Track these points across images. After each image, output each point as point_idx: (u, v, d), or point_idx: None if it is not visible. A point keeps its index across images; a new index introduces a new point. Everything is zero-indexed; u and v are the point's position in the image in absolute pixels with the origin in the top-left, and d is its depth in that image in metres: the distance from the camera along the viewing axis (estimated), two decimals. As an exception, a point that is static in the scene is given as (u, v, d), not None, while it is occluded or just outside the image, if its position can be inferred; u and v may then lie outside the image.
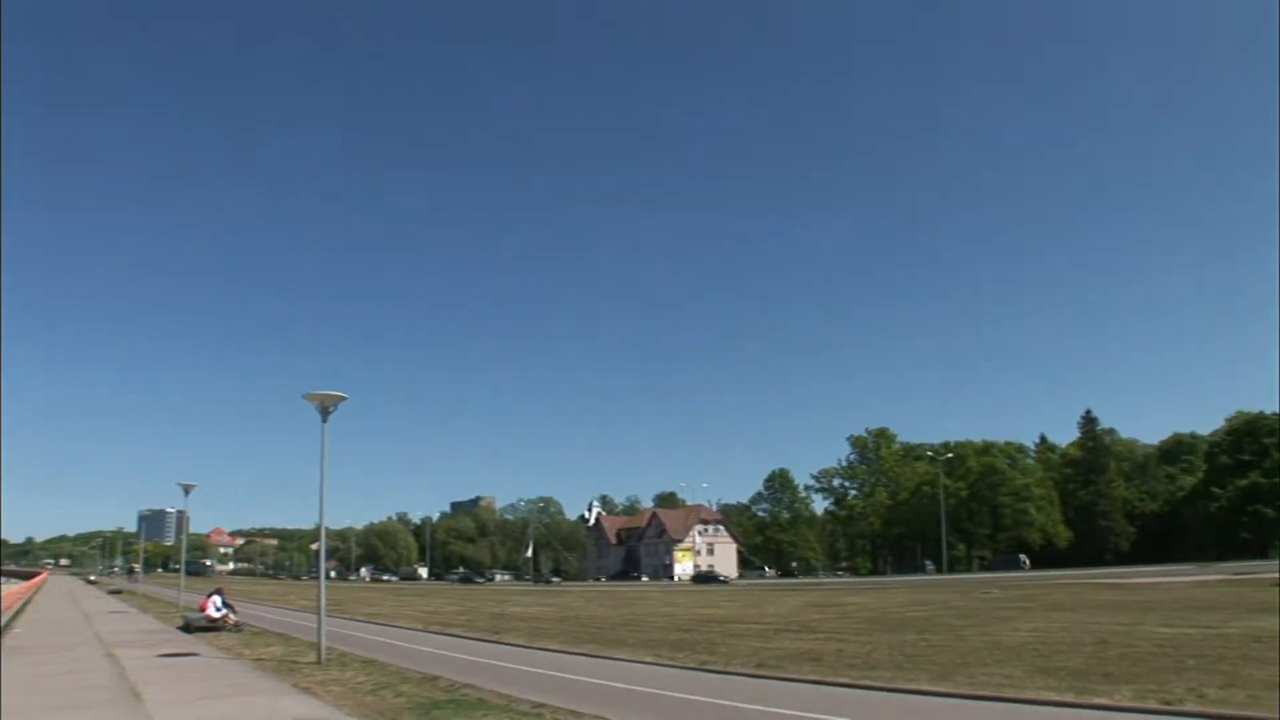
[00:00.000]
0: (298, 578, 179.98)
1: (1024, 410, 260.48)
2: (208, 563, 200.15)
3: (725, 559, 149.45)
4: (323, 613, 23.19)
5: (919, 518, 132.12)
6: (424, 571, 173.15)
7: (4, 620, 34.14)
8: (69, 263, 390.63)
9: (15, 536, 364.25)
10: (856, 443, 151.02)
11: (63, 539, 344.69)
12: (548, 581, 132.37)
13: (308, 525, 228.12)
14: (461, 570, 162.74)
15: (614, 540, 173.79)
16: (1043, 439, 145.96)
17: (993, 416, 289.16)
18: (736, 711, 14.84)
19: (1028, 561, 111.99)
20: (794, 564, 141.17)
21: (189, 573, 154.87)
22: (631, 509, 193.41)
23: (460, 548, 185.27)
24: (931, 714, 14.58)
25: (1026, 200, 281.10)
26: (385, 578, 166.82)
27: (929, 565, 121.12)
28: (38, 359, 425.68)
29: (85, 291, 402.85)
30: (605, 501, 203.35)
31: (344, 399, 22.13)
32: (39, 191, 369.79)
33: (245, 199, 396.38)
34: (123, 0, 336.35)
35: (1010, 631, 26.90)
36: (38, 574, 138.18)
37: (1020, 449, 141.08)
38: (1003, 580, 69.86)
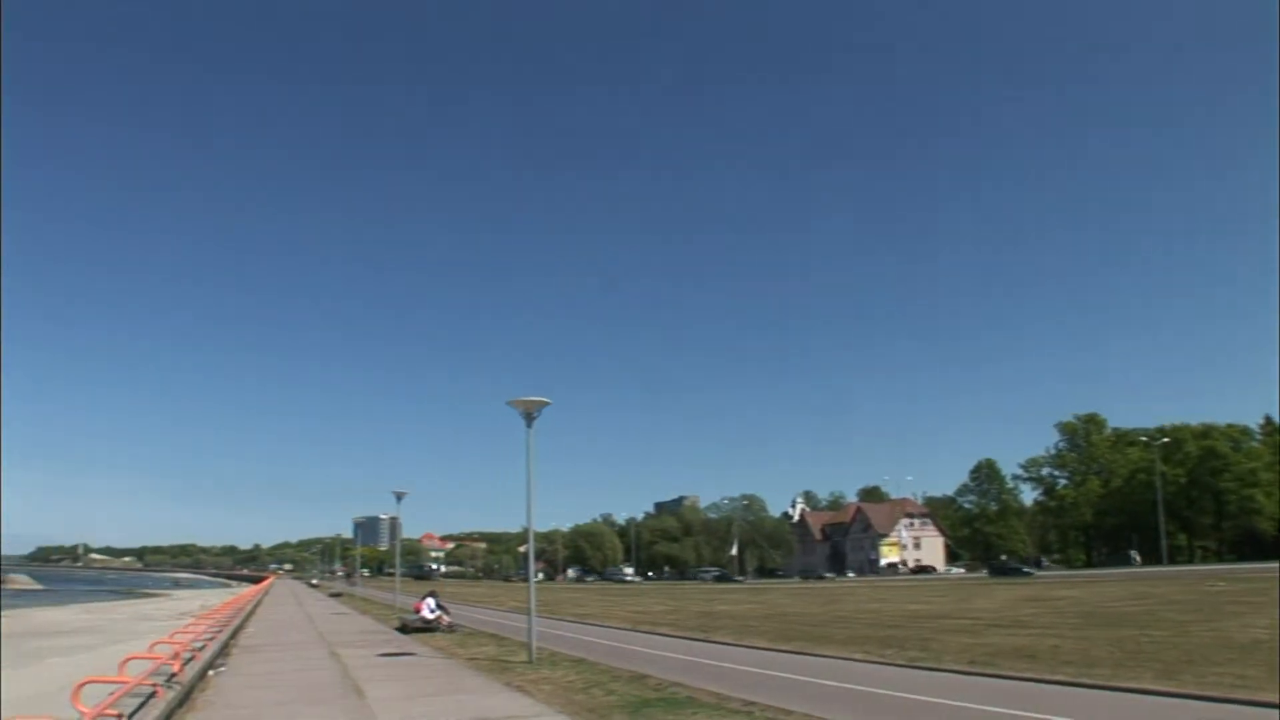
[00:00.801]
0: (507, 579, 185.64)
1: (1241, 391, 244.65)
2: (433, 566, 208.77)
3: (932, 552, 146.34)
4: (533, 613, 23.82)
5: (1134, 507, 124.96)
6: (630, 572, 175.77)
7: (239, 621, 36.62)
8: (291, 291, 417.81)
9: (244, 543, 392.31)
10: (1065, 429, 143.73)
11: (285, 545, 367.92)
12: (753, 579, 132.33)
13: (515, 528, 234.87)
14: (667, 570, 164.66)
15: (819, 536, 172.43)
16: (1268, 420, 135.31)
17: (1201, 398, 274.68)
18: (953, 711, 14.42)
19: (1138, 558, 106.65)
20: (1003, 556, 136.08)
21: (415, 576, 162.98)
22: (835, 504, 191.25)
23: (665, 547, 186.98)
24: (1159, 715, 13.76)
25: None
26: (591, 579, 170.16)
27: (1134, 556, 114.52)
28: (273, 386, 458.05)
29: (304, 319, 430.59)
30: (809, 497, 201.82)
31: (547, 404, 22.68)
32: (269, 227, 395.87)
33: (446, 213, 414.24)
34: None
35: (1241, 628, 25.18)
36: (266, 578, 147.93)
37: (1244, 431, 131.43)
38: (1232, 572, 65.38)
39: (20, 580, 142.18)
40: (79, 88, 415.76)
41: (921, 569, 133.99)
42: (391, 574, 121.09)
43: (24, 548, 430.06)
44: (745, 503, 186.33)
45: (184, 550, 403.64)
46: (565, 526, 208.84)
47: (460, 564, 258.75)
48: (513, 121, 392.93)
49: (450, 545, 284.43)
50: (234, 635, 31.21)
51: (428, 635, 32.17)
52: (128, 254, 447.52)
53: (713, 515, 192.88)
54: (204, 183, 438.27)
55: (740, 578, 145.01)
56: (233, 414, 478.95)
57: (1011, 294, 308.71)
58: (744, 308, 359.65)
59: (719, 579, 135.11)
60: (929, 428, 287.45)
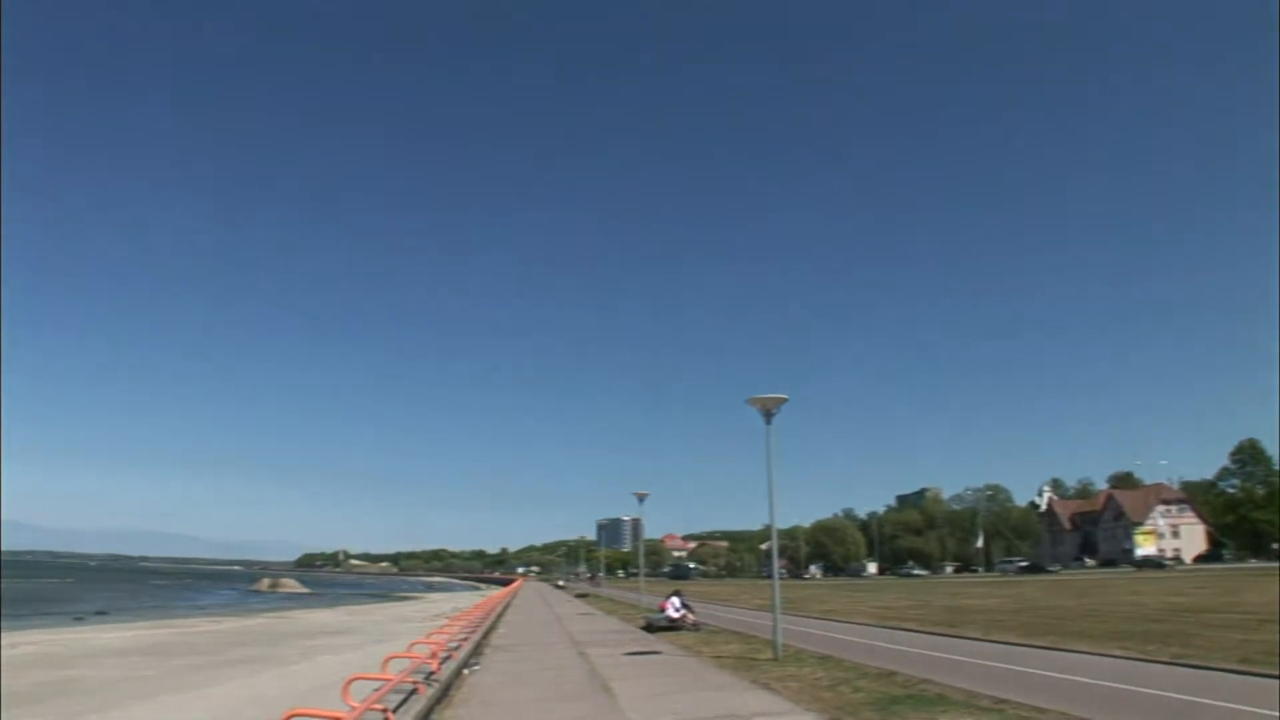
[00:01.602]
0: (759, 577, 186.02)
1: None
2: (689, 565, 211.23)
3: (1192, 541, 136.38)
4: (777, 610, 23.76)
5: None
6: (872, 567, 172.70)
7: (490, 622, 38.22)
8: (536, 303, 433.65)
9: (491, 547, 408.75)
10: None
11: (531, 548, 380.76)
12: (1001, 572, 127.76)
13: (756, 526, 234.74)
14: (910, 563, 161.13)
15: (1068, 526, 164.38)
16: None
17: None
18: (1226, 714, 13.44)
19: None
20: (1275, 545, 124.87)
21: (673, 576, 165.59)
22: (1085, 492, 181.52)
23: (908, 541, 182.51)
24: None
25: None
26: (832, 575, 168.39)
27: None
28: (519, 396, 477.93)
29: (557, 330, 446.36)
30: (1056, 485, 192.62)
31: (784, 400, 22.59)
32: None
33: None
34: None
35: None
36: (514, 581, 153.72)
37: None
38: None
39: (290, 584, 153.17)
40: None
41: (1170, 560, 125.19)
42: (635, 575, 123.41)
43: (291, 555, 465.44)
44: (990, 493, 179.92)
45: (435, 555, 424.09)
46: (806, 523, 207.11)
47: (702, 563, 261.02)
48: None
49: (692, 545, 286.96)
50: (486, 635, 32.55)
51: (673, 634, 32.57)
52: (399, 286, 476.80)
53: (956, 506, 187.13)
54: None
55: (989, 569, 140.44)
56: (478, 425, 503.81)
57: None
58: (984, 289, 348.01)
59: (961, 570, 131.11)
60: (1182, 406, 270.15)
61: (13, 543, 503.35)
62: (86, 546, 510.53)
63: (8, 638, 45.15)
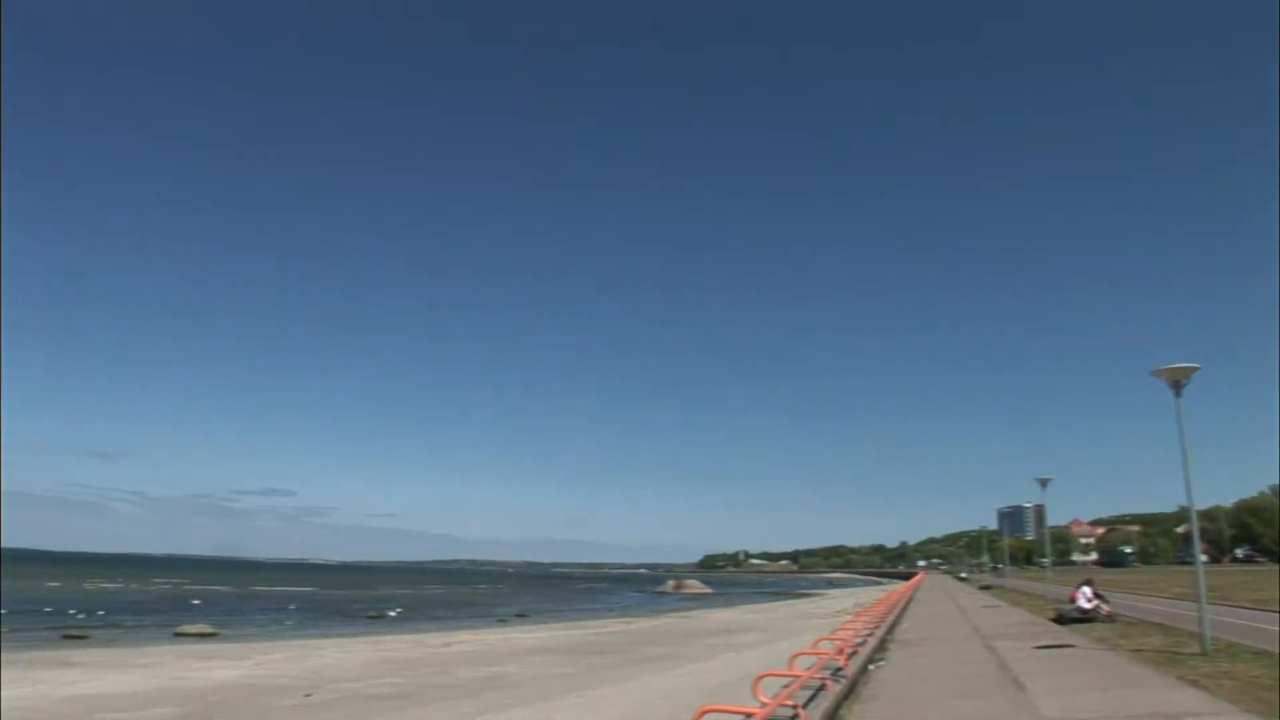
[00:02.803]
0: (1173, 563, 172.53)
1: None
2: (1125, 549, 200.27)
3: None
4: (1203, 599, 22.15)
5: None
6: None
7: (893, 617, 38.06)
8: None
9: (890, 541, 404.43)
10: None
11: (930, 540, 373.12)
12: None
13: (1169, 508, 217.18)
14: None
15: None
16: None
17: None
18: None
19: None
20: None
21: (1105, 564, 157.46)
22: None
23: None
24: None
25: None
26: (1262, 560, 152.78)
27: None
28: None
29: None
30: None
31: (1195, 370, 21.09)
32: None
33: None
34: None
35: None
36: (915, 575, 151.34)
37: None
38: None
39: (694, 585, 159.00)
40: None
41: None
42: (1041, 564, 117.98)
43: (693, 556, 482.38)
44: None
45: (834, 551, 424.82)
46: (1228, 502, 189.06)
47: (1111, 549, 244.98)
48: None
49: (1100, 530, 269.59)
50: (889, 631, 32.49)
51: (1085, 626, 31.16)
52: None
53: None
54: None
55: None
56: (870, 415, 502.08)
57: None
58: None
59: None
60: None
61: (439, 553, 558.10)
62: (504, 555, 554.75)
63: (449, 636, 50.42)
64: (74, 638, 47.02)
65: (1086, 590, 34.47)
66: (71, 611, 62.47)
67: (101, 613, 63.67)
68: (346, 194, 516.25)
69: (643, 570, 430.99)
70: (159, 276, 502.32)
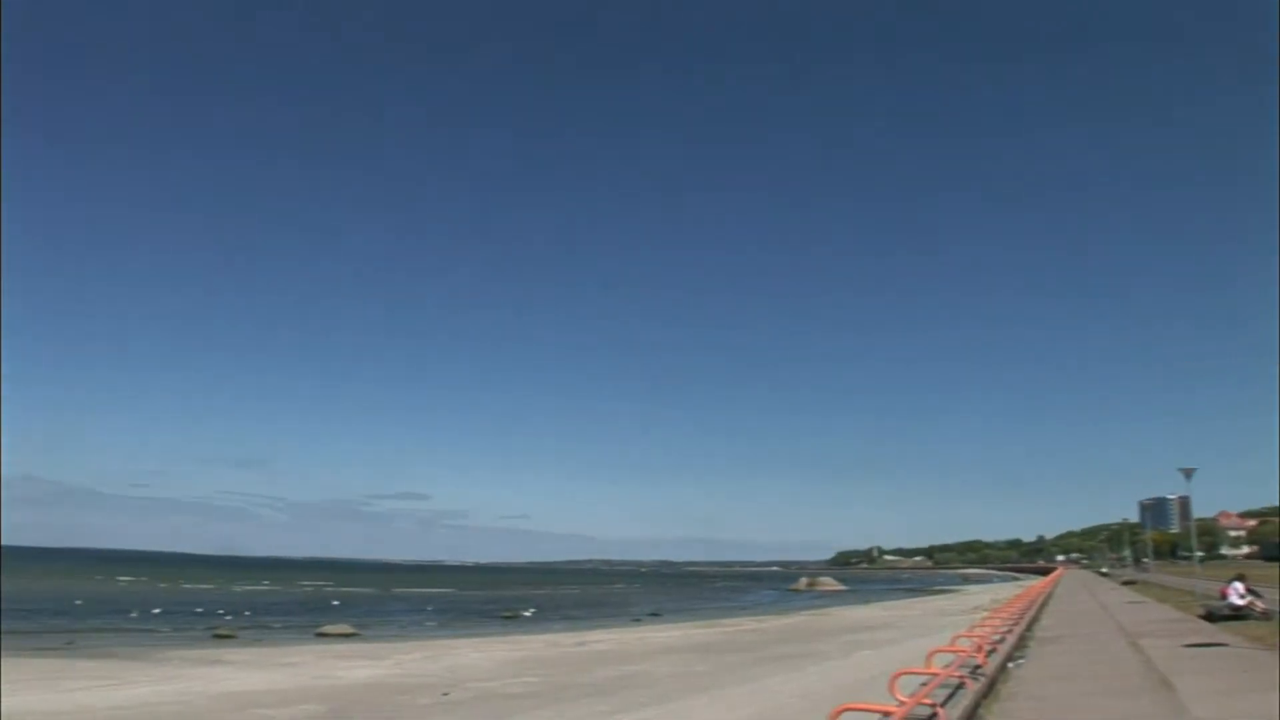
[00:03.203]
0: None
1: None
2: None
3: None
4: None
5: None
6: None
7: (1031, 613, 37.06)
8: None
9: (1027, 535, 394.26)
10: None
11: (1069, 534, 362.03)
12: None
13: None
14: None
15: None
16: None
17: None
18: None
19: None
20: None
21: (1267, 557, 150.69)
22: None
23: None
24: None
25: None
26: None
27: None
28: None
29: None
30: None
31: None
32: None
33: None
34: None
35: None
36: (1054, 570, 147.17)
37: None
38: None
39: (827, 583, 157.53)
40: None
41: None
42: (1188, 558, 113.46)
43: (825, 553, 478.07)
44: None
45: (969, 546, 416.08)
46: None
47: (1261, 543, 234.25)
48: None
49: (1252, 523, 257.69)
50: (1028, 628, 31.65)
51: (1238, 624, 29.75)
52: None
53: None
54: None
55: None
56: (1001, 407, 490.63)
57: None
58: None
59: None
60: None
61: (572, 553, 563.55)
62: (637, 554, 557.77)
63: (583, 636, 50.91)
64: (223, 637, 49.00)
65: (1239, 585, 32.92)
66: (220, 612, 65.06)
67: (248, 613, 66.17)
68: (485, 196, 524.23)
69: (775, 568, 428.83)
70: (298, 296, 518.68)
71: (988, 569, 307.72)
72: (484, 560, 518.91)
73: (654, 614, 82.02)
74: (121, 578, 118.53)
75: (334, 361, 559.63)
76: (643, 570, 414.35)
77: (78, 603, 71.23)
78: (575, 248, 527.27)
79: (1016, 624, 30.14)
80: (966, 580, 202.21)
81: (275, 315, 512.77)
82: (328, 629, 53.73)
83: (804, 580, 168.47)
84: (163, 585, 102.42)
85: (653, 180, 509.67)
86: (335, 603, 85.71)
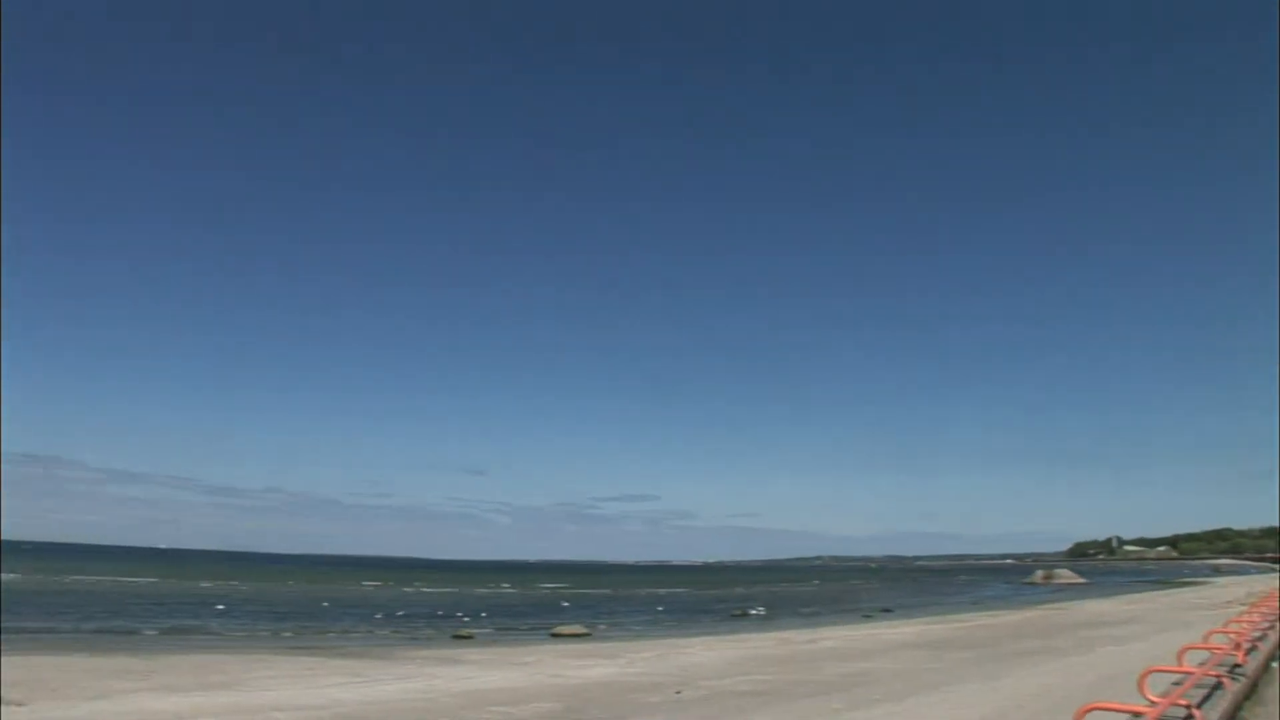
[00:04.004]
0: None
1: None
2: None
3: None
4: None
5: None
6: None
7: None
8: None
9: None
10: None
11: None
12: None
13: None
14: None
15: None
16: None
17: None
18: None
19: None
20: None
21: None
22: None
23: None
24: None
25: None
26: None
27: None
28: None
29: None
30: None
31: None
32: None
33: None
34: None
35: None
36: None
37: None
38: None
39: (1065, 575, 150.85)
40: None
41: None
42: None
43: (1061, 545, 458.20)
44: None
45: (1219, 535, 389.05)
46: None
47: None
48: None
49: None
50: (1292, 623, 29.08)
51: None
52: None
53: None
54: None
55: None
56: (1260, 381, 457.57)
57: None
58: None
59: None
60: None
61: (800, 550, 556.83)
62: (865, 550, 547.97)
63: (813, 633, 50.27)
64: (461, 638, 50.73)
65: None
66: (458, 614, 67.44)
67: (484, 615, 68.24)
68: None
69: (1008, 561, 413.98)
70: (512, 309, 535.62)
71: (1241, 559, 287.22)
72: (711, 559, 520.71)
73: (885, 610, 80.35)
74: (367, 582, 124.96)
75: (558, 372, 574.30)
76: (872, 566, 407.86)
77: (324, 604, 75.48)
78: (789, 251, 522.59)
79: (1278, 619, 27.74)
80: (1217, 571, 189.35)
81: (506, 332, 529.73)
82: (561, 629, 54.89)
83: (1039, 573, 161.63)
84: (404, 590, 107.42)
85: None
86: (565, 604, 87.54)
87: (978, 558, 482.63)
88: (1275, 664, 18.79)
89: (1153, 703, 10.17)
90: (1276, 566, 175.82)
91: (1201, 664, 14.28)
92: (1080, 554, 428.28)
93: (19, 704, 20.58)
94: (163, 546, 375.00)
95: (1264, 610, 28.37)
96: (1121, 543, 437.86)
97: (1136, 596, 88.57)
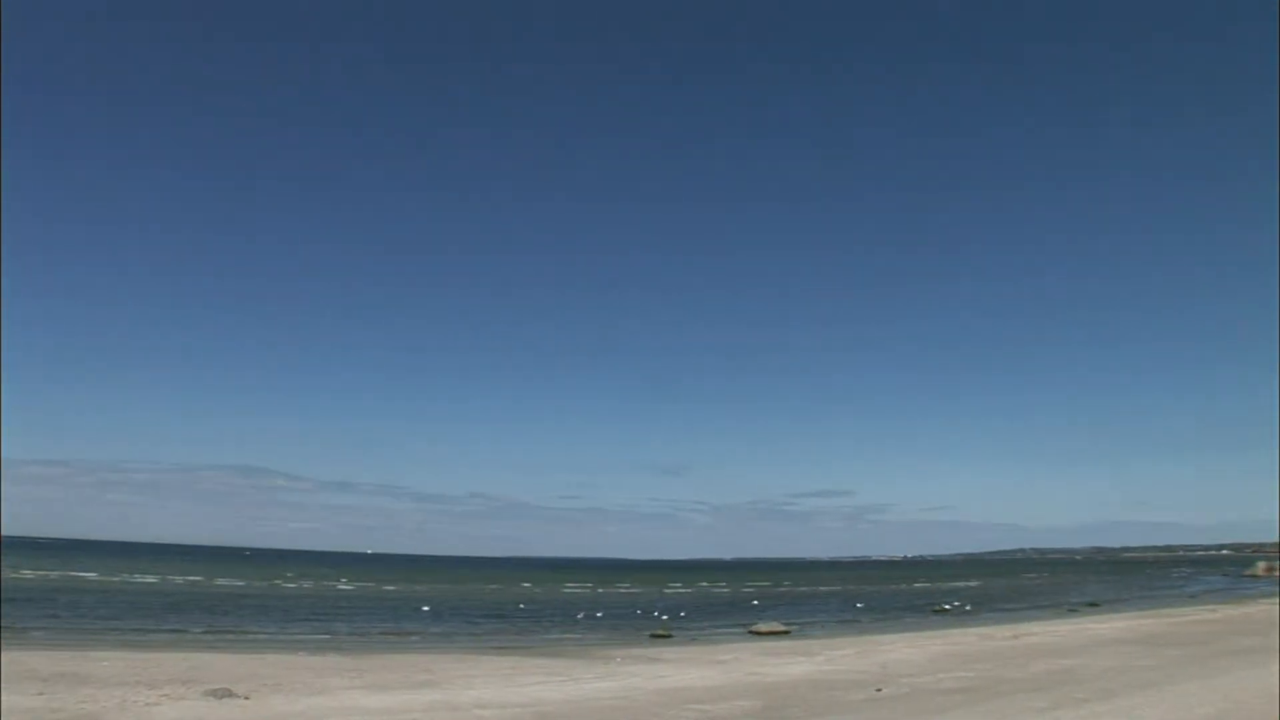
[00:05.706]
0: None
1: None
2: None
3: None
4: None
5: None
6: None
7: None
8: None
9: None
10: None
11: None
12: None
13: None
14: None
15: None
16: None
17: None
18: None
19: None
20: None
21: None
22: None
23: None
24: None
25: None
26: None
27: None
28: None
29: None
30: None
31: None
32: None
33: None
34: None
35: None
36: None
37: None
38: None
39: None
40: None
41: None
42: None
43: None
44: None
45: None
46: None
47: None
48: None
49: None
50: None
51: None
52: None
53: None
54: None
55: None
56: None
57: None
58: None
59: None
60: None
61: (1000, 543, 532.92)
62: (1068, 542, 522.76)
63: (1016, 628, 48.64)
64: (659, 637, 50.79)
65: None
66: (655, 613, 67.60)
67: (682, 614, 67.99)
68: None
69: (1225, 551, 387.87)
70: (720, 311, 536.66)
71: None
72: (909, 554, 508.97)
73: (1091, 604, 76.79)
74: (569, 585, 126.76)
75: (753, 371, 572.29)
76: (1076, 558, 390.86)
77: (520, 606, 76.68)
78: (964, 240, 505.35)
79: None
80: None
81: (701, 335, 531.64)
82: (759, 627, 54.54)
83: (1261, 565, 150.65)
84: (602, 591, 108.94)
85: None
86: (754, 602, 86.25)
87: (1190, 548, 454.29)
88: None
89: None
90: None
91: None
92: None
93: (245, 697, 21.95)
94: (369, 552, 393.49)
95: None
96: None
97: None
